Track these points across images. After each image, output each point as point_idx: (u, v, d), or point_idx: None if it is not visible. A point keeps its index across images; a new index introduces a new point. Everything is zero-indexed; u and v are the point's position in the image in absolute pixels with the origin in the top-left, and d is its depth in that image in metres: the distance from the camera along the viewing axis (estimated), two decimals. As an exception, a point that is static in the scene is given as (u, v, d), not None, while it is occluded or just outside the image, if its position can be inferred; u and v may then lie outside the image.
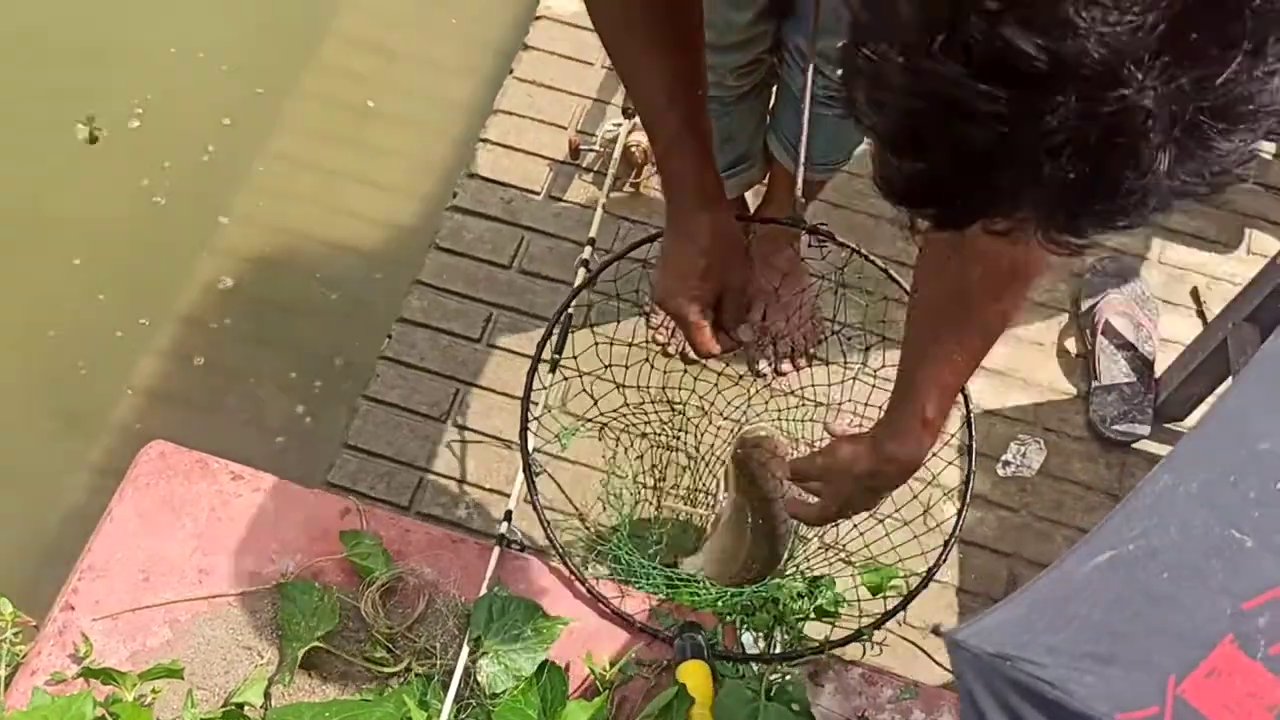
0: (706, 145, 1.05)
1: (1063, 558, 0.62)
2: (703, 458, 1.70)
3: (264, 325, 2.18)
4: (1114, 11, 0.46)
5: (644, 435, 1.62)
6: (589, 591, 1.25)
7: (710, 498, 1.66)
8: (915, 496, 1.36)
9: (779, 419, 1.60)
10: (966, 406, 1.23)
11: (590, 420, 1.55)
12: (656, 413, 1.60)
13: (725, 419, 1.69)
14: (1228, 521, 0.63)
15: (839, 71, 1.63)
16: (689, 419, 1.66)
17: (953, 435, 1.27)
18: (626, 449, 1.62)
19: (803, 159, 1.29)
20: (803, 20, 1.41)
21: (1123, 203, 0.52)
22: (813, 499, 1.18)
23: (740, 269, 1.11)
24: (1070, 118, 0.48)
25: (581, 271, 1.45)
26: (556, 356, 1.44)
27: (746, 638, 1.24)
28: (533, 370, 1.27)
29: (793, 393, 1.67)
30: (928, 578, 1.21)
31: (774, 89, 1.65)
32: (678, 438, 1.67)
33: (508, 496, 1.34)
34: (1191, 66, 0.48)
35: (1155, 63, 0.47)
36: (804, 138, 1.27)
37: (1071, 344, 2.00)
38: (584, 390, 1.45)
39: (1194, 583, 0.62)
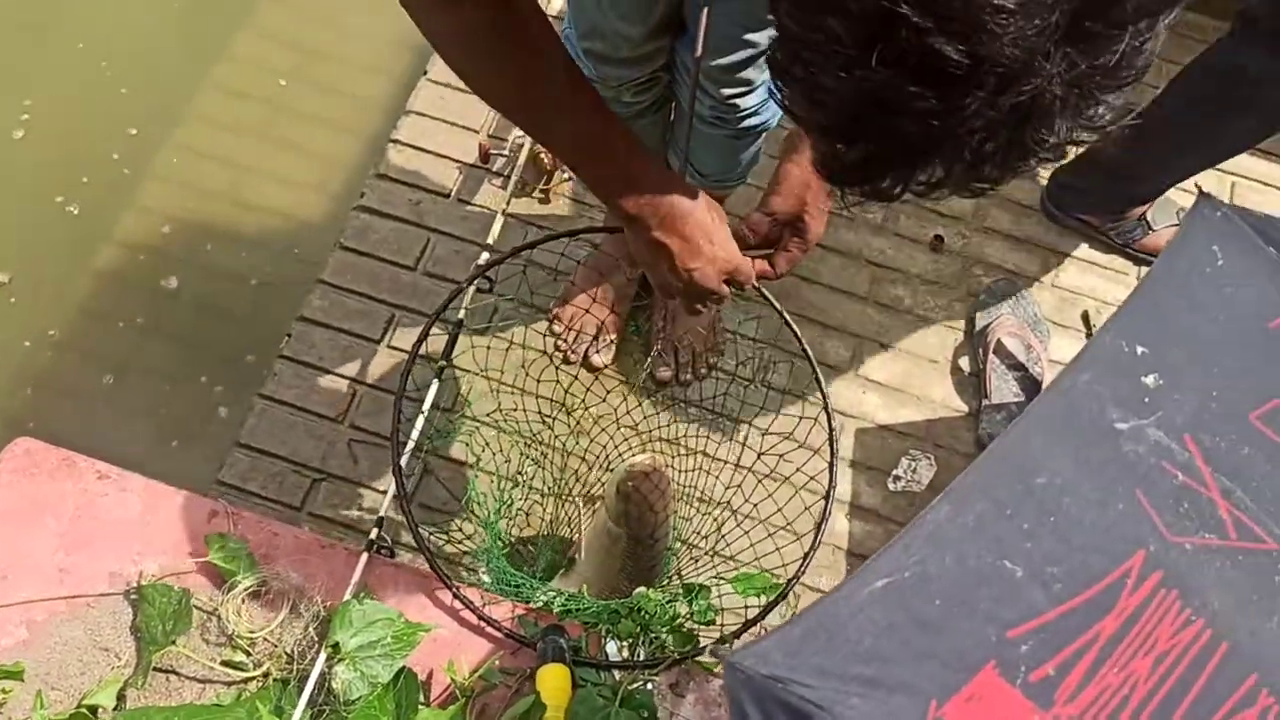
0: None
1: (841, 584, 0.64)
2: (592, 468, 1.72)
3: (171, 322, 2.16)
4: (1022, 17, 0.53)
5: (529, 441, 1.63)
6: (456, 597, 1.26)
7: (591, 516, 1.66)
8: (779, 508, 1.39)
9: (672, 427, 1.62)
10: (829, 419, 1.26)
11: (474, 420, 1.56)
12: (544, 417, 1.61)
13: (622, 426, 1.70)
14: (1000, 553, 0.66)
15: (723, 91, 1.63)
16: (581, 427, 1.67)
17: (823, 444, 1.30)
18: (506, 453, 1.62)
19: (685, 174, 1.32)
20: (693, 40, 1.43)
21: (1031, 160, 0.61)
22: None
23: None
24: (989, 107, 0.56)
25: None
26: (443, 363, 1.45)
27: (611, 646, 1.26)
28: (407, 371, 1.27)
29: (686, 402, 1.70)
30: (786, 588, 1.23)
31: (674, 105, 1.68)
32: (567, 445, 1.68)
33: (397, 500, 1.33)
34: (1088, 51, 0.55)
35: (1059, 53, 0.55)
36: (686, 155, 1.30)
37: (964, 362, 2.05)
38: (460, 395, 1.46)
39: (963, 611, 0.65)
